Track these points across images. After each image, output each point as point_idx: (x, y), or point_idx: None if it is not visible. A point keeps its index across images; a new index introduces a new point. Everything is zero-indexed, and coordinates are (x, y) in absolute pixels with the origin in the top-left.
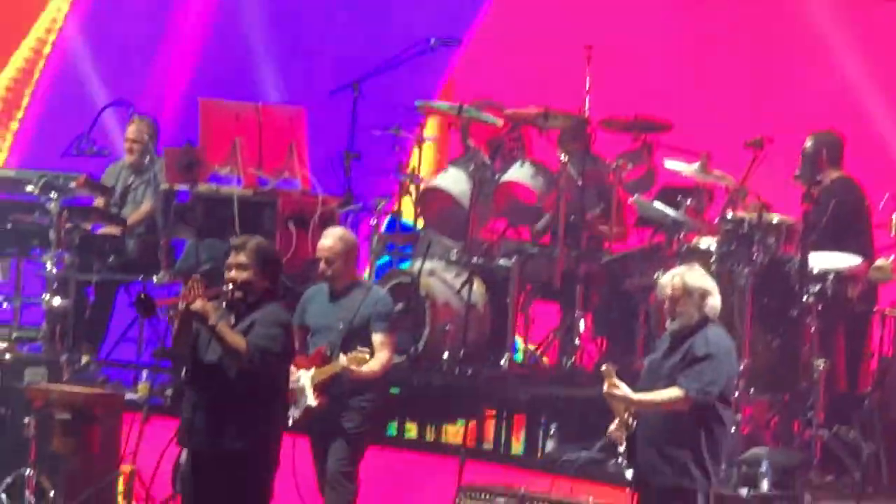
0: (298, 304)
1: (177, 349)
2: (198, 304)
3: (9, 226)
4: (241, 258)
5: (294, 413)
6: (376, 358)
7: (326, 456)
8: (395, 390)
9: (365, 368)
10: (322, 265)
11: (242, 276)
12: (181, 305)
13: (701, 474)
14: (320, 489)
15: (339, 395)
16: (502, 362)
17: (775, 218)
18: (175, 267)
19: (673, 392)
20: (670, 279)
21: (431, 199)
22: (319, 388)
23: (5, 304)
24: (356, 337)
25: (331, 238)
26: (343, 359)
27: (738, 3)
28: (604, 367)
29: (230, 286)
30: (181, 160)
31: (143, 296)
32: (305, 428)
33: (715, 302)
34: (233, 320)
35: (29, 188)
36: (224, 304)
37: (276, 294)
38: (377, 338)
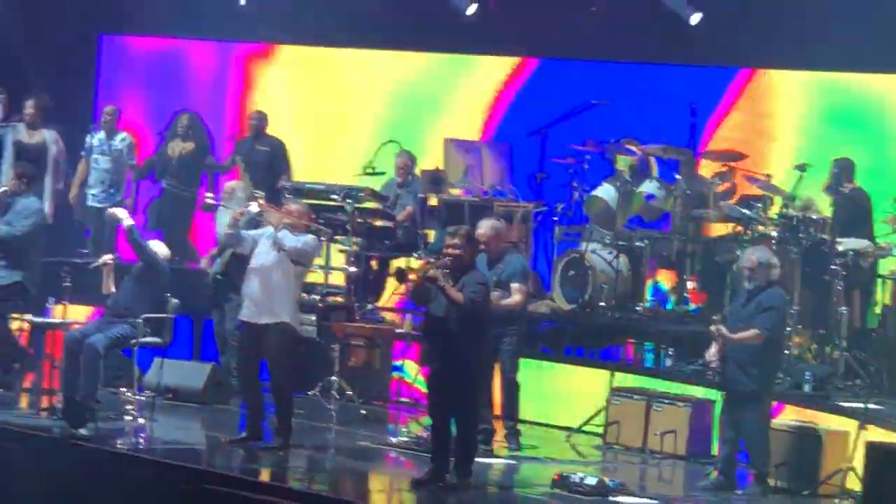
0: None
1: (415, 301)
2: (432, 273)
3: (321, 221)
4: (456, 241)
5: None
6: (510, 298)
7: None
8: (569, 327)
9: (503, 302)
10: (481, 244)
11: (456, 252)
12: (420, 274)
13: (766, 381)
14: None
15: (498, 323)
16: (638, 308)
17: (815, 215)
18: (428, 247)
19: (752, 332)
20: (749, 255)
21: (593, 204)
22: None
23: (319, 271)
24: (503, 287)
25: (483, 227)
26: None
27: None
28: (714, 318)
29: (449, 259)
30: (432, 178)
31: (399, 269)
32: None
33: (777, 270)
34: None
35: (334, 196)
36: (446, 271)
37: (475, 264)
38: (512, 287)
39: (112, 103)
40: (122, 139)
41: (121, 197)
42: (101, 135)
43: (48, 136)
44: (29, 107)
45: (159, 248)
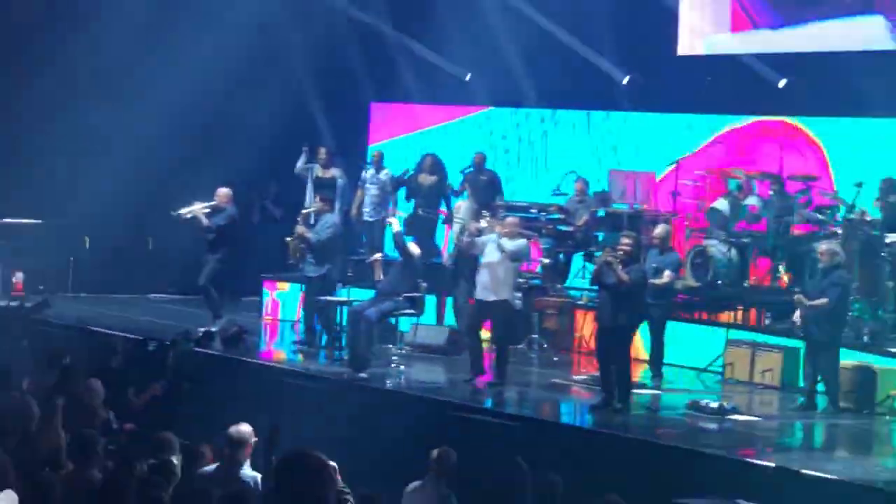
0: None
1: (594, 281)
2: (609, 259)
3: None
4: (627, 240)
5: None
6: (660, 279)
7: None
8: (697, 298)
9: (654, 280)
10: (655, 240)
11: (627, 248)
12: (601, 260)
13: (835, 334)
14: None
15: (652, 296)
16: (745, 284)
17: (869, 217)
18: (599, 244)
19: (823, 300)
20: (822, 247)
21: (712, 212)
22: None
23: (527, 264)
24: (660, 272)
25: (659, 229)
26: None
27: None
28: (796, 290)
29: (622, 252)
30: (601, 197)
31: (593, 252)
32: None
33: (842, 257)
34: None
35: (532, 210)
36: (619, 259)
37: (640, 259)
38: (665, 273)
39: (379, 149)
40: (385, 173)
41: (385, 214)
42: (372, 170)
43: (336, 172)
44: (323, 152)
45: (414, 248)
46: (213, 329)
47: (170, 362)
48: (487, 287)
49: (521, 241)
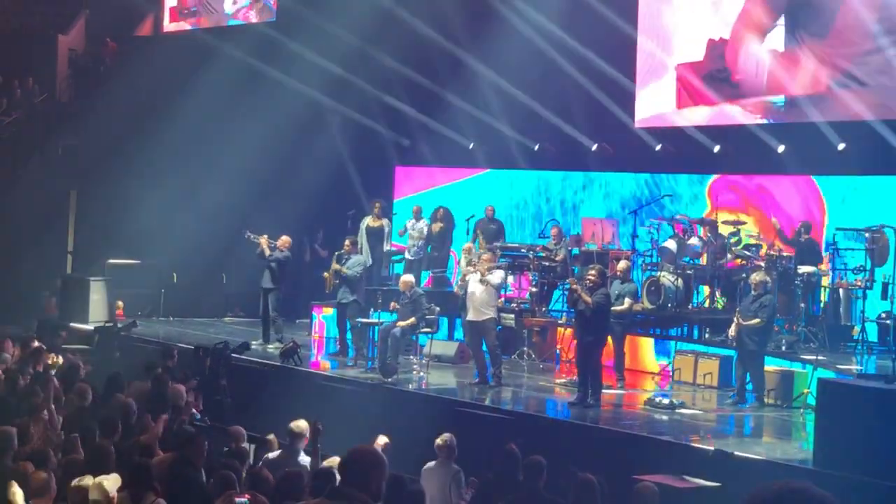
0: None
1: (569, 304)
2: (575, 287)
3: (514, 262)
4: (592, 272)
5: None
6: (621, 305)
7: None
8: (651, 318)
9: (616, 308)
10: (618, 272)
11: (592, 278)
12: (572, 289)
13: (763, 345)
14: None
15: (615, 318)
16: (689, 306)
17: (786, 253)
18: (575, 276)
19: (756, 320)
20: (755, 276)
21: (663, 250)
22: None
23: (517, 292)
24: (621, 298)
25: (621, 264)
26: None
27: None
28: (738, 310)
29: (588, 282)
30: (575, 240)
31: (570, 289)
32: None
33: (770, 285)
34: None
35: (523, 250)
36: (586, 287)
37: (604, 284)
38: (625, 300)
39: (418, 203)
40: (423, 223)
41: (423, 253)
42: (413, 220)
43: (385, 222)
44: (377, 206)
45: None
46: (254, 344)
47: (209, 364)
48: (478, 309)
49: (498, 272)
